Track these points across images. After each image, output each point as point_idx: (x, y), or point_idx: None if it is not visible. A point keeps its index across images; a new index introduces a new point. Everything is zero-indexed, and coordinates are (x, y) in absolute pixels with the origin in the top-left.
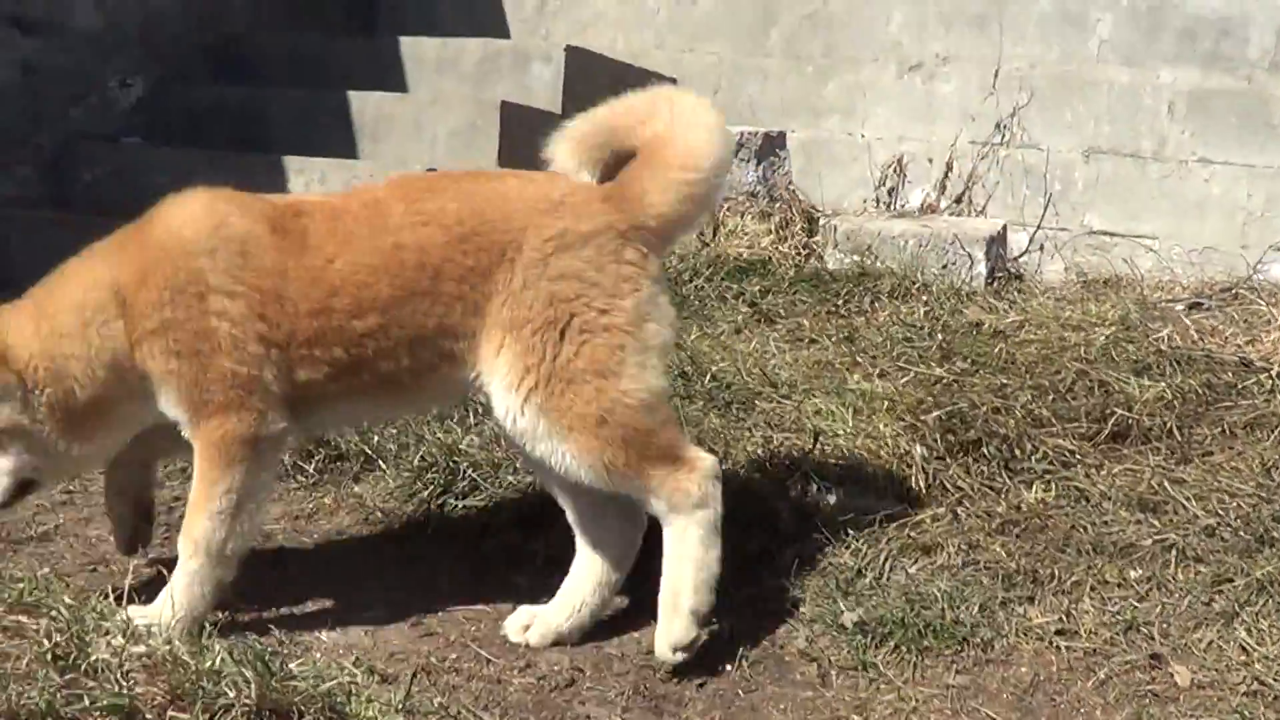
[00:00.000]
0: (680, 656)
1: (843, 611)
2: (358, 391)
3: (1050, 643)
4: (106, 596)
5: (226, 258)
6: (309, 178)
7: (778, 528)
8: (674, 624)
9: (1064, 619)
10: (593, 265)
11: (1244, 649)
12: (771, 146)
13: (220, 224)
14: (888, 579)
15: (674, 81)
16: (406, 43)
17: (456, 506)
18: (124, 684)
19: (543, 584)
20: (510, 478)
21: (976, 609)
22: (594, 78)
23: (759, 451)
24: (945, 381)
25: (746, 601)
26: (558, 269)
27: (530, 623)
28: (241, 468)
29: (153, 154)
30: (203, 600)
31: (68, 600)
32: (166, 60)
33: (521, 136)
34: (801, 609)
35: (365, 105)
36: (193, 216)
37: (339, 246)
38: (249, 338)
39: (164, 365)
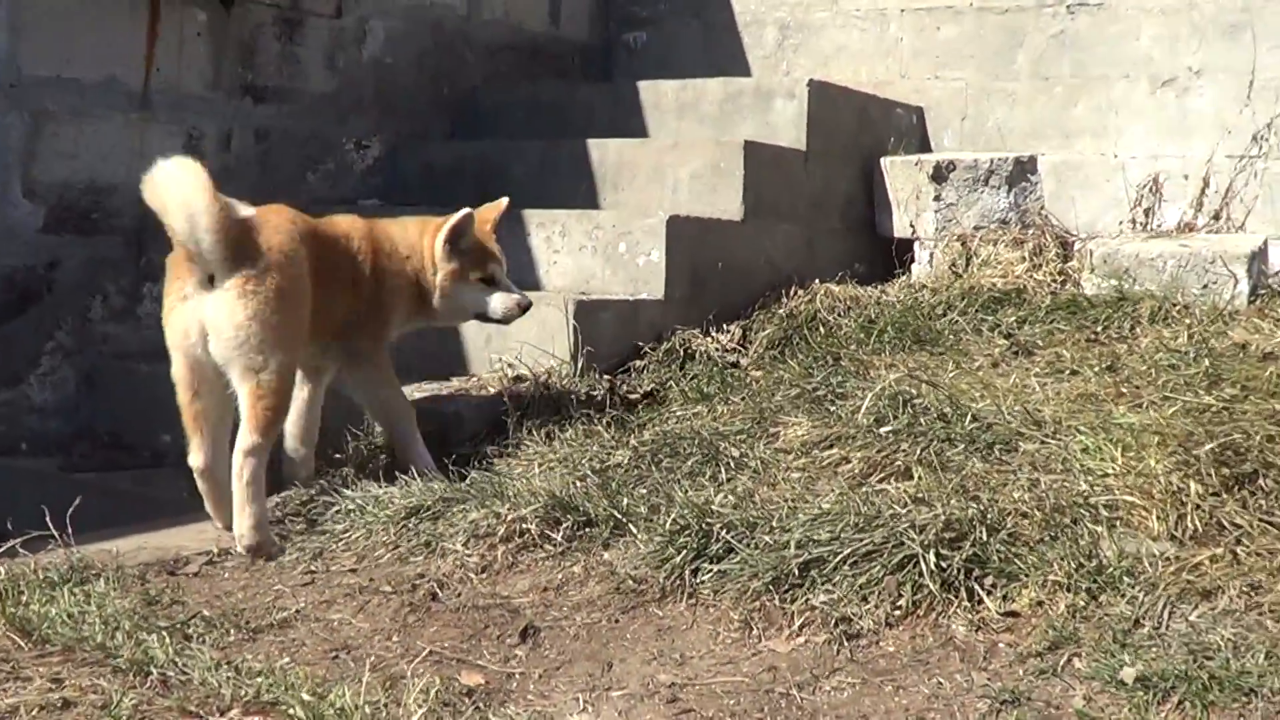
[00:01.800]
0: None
1: (1122, 666)
2: None
3: None
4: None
5: None
6: (550, 231)
7: (1048, 579)
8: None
9: None
10: None
11: None
12: (1023, 172)
13: None
14: (1167, 628)
15: (919, 111)
16: (645, 87)
17: (711, 571)
18: None
19: (807, 650)
20: (766, 538)
21: (1262, 656)
22: (838, 111)
23: (1026, 497)
24: (1215, 410)
25: (1019, 658)
26: None
27: None
28: None
29: (391, 214)
30: None
31: (305, 696)
32: (402, 119)
33: (766, 176)
34: (1078, 663)
35: (605, 153)
36: None
37: None
38: None
39: None
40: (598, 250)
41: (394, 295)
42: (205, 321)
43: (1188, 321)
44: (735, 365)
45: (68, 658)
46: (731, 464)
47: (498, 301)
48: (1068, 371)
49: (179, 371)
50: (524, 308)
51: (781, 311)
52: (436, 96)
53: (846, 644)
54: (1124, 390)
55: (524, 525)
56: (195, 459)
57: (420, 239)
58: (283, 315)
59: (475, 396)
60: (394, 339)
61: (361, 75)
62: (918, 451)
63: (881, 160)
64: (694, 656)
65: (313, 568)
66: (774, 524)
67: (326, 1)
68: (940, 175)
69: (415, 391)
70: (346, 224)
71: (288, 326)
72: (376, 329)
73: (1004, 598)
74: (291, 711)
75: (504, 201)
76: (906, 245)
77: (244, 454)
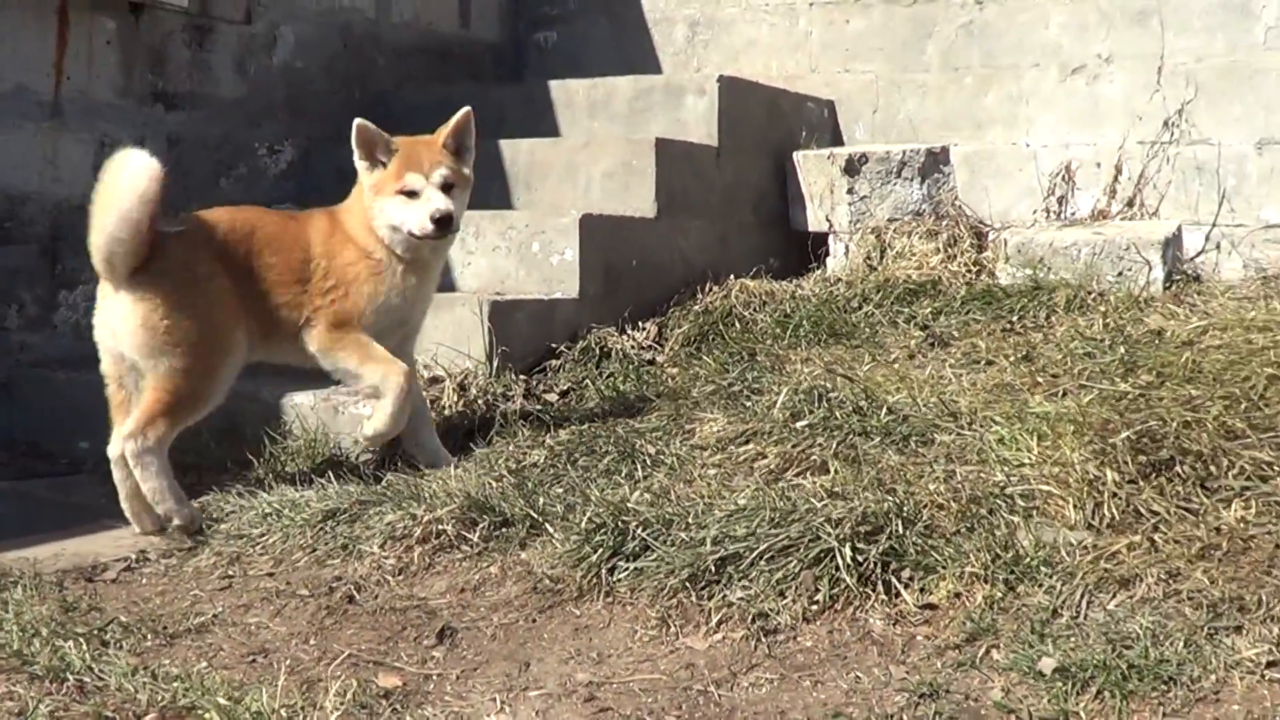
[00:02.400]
0: None
1: (1040, 656)
2: None
3: (1262, 676)
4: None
5: None
6: (463, 231)
7: (965, 570)
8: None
9: (1275, 649)
10: None
11: None
12: (935, 163)
13: None
14: (1085, 617)
15: (830, 104)
16: (556, 86)
17: (628, 569)
18: None
19: (724, 647)
20: (683, 534)
21: (1181, 644)
22: (749, 106)
23: (942, 488)
24: (1131, 397)
25: (937, 651)
26: None
27: None
28: None
29: None
30: None
31: (222, 701)
32: (314, 123)
33: (678, 172)
34: (996, 655)
35: (517, 153)
36: None
37: None
38: None
39: None
40: (511, 250)
41: (349, 268)
42: (113, 322)
43: (1103, 309)
44: (651, 363)
45: None
46: (648, 461)
47: (413, 216)
48: (983, 362)
49: (105, 365)
50: (435, 218)
51: (697, 308)
52: (348, 99)
53: (764, 640)
54: (1040, 379)
55: (440, 526)
56: (114, 448)
57: (357, 191)
58: (177, 320)
59: None
60: (370, 321)
61: (272, 80)
62: (834, 445)
63: (794, 154)
64: (612, 655)
65: (230, 572)
66: (690, 521)
67: (236, 8)
68: (853, 168)
69: (332, 394)
70: (282, 216)
71: (185, 331)
72: (342, 306)
73: (921, 590)
74: (207, 716)
75: (462, 112)
76: (821, 239)
77: (123, 438)
